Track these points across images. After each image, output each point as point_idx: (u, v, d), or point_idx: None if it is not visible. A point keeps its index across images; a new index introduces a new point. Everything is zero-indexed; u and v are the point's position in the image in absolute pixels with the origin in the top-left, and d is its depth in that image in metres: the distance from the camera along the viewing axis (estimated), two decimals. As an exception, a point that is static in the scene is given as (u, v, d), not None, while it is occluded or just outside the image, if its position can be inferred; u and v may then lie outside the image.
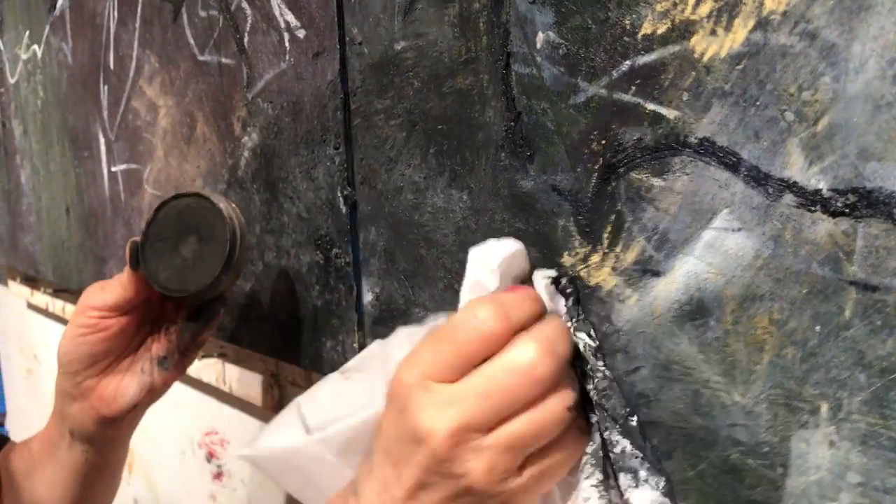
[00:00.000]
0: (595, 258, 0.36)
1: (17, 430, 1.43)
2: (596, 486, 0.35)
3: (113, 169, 0.76)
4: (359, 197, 0.48)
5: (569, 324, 0.36)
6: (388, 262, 0.47)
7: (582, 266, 0.36)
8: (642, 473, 0.35)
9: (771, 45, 0.29)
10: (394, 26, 0.44)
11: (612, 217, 0.35)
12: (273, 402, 0.66)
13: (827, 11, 0.27)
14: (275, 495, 0.73)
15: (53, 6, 0.82)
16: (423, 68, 0.43)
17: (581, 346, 0.35)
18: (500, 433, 0.33)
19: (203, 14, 0.60)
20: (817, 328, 0.29)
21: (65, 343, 0.55)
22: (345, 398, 0.41)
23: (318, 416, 0.41)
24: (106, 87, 0.75)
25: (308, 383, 0.62)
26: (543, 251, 0.38)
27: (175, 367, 0.56)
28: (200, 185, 0.63)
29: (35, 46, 0.88)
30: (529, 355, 0.33)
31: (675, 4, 0.31)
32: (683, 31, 0.31)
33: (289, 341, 0.57)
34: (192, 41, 0.61)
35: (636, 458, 0.35)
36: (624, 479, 0.35)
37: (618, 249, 0.35)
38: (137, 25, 0.68)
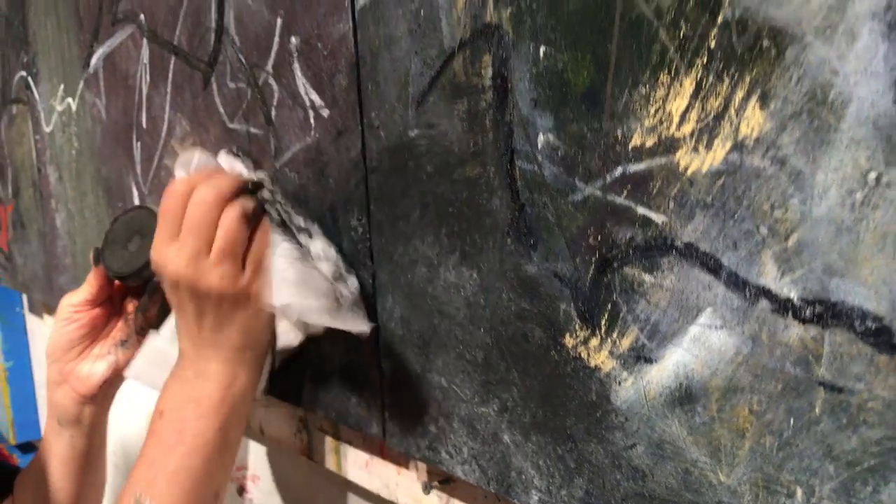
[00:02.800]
0: (594, 342, 0.39)
1: (53, 454, 1.48)
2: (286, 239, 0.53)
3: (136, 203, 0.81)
4: (377, 267, 0.52)
5: (246, 171, 0.57)
6: (405, 329, 0.51)
7: (583, 347, 0.40)
8: (315, 231, 0.54)
9: (746, 166, 0.32)
10: (408, 115, 0.47)
11: (609, 306, 0.38)
12: (302, 446, 0.69)
13: (794, 141, 0.30)
14: (302, 531, 0.76)
15: (87, 63, 0.86)
16: (435, 155, 0.46)
17: (255, 178, 0.55)
18: (213, 250, 0.50)
19: (232, 85, 0.63)
20: (791, 421, 0.32)
21: (50, 336, 0.69)
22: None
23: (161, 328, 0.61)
24: (139, 144, 0.79)
25: (335, 430, 0.66)
26: (548, 330, 0.41)
27: (133, 346, 0.68)
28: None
29: (69, 99, 0.92)
30: (199, 192, 0.51)
31: (661, 121, 0.34)
32: (669, 146, 0.34)
33: (317, 395, 0.60)
34: (221, 109, 0.65)
35: (308, 223, 0.55)
36: (302, 237, 0.54)
37: (614, 335, 0.38)
38: (169, 90, 0.72)
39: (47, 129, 1.00)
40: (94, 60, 0.85)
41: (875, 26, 0.28)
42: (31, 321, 1.44)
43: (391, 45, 0.47)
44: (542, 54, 0.39)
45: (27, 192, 1.11)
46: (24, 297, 1.45)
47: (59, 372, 0.67)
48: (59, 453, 0.70)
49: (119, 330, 0.68)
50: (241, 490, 0.86)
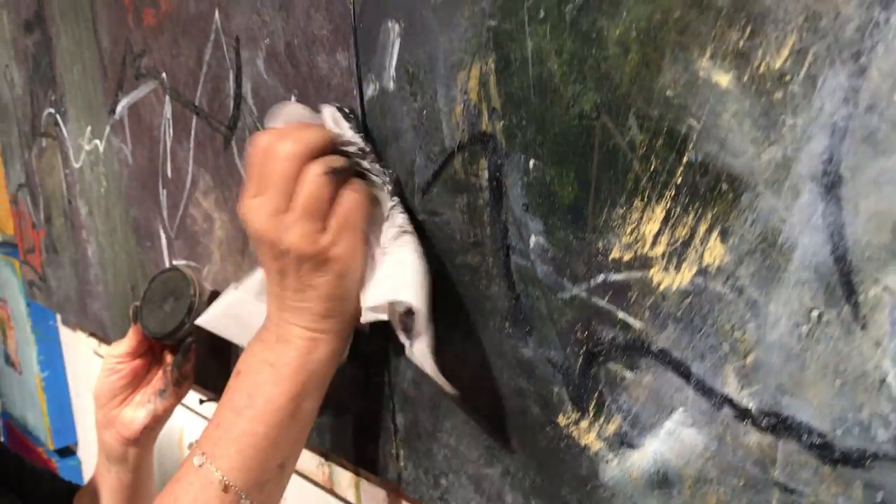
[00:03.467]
0: (584, 423, 0.43)
1: (89, 459, 1.55)
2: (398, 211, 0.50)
3: (174, 262, 0.86)
4: (390, 333, 0.56)
5: (351, 131, 0.51)
6: (417, 391, 0.55)
7: (574, 427, 0.44)
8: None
9: (710, 290, 0.36)
10: (414, 201, 0.52)
11: (596, 394, 0.42)
12: (324, 478, 0.75)
13: (750, 274, 0.34)
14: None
15: (113, 110, 0.91)
16: (440, 240, 0.50)
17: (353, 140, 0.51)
18: (292, 205, 0.47)
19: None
20: (752, 513, 0.36)
21: (96, 384, 0.74)
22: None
23: (241, 282, 0.61)
24: (165, 192, 0.84)
25: (355, 466, 0.71)
26: (543, 409, 0.46)
27: (171, 395, 0.73)
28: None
29: (97, 141, 0.97)
30: (283, 145, 0.47)
31: (636, 240, 0.39)
32: (643, 262, 0.38)
33: (339, 440, 0.65)
34: (241, 170, 0.70)
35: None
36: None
37: (601, 420, 0.42)
38: (192, 145, 0.77)
39: (76, 165, 1.05)
40: (119, 108, 0.89)
41: (814, 187, 0.31)
42: (65, 333, 1.50)
43: (398, 137, 0.52)
44: (531, 166, 0.43)
45: (58, 221, 1.16)
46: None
47: (106, 416, 0.74)
48: (108, 485, 0.77)
49: (158, 380, 0.74)
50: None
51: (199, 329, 0.68)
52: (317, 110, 0.53)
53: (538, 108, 0.42)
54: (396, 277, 0.48)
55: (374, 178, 0.50)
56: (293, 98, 0.61)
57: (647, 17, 0.36)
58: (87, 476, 1.59)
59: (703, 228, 0.36)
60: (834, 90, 0.30)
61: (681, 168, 0.36)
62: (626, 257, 0.39)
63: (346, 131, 0.51)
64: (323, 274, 0.49)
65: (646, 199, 0.38)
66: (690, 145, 0.35)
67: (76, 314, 1.19)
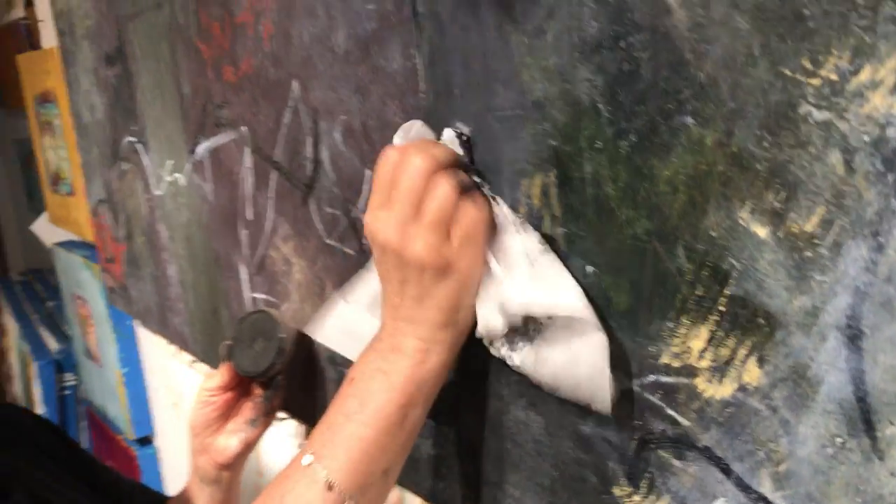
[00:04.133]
0: (637, 497, 0.49)
1: (165, 448, 1.66)
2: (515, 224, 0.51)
3: (254, 295, 0.93)
4: (462, 409, 0.63)
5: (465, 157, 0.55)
6: (485, 446, 0.62)
7: (628, 500, 0.50)
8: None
9: (748, 405, 0.41)
10: (482, 282, 0.57)
11: (647, 475, 0.48)
12: (395, 501, 0.82)
13: (783, 398, 0.40)
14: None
15: (193, 150, 0.98)
16: (506, 319, 0.56)
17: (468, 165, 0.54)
18: (420, 216, 0.50)
19: (328, 209, 0.74)
20: None
21: (191, 415, 0.82)
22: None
23: (348, 294, 0.65)
24: (245, 232, 0.91)
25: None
26: (600, 479, 0.52)
27: (261, 424, 0.81)
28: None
29: (178, 175, 1.05)
30: (412, 159, 0.50)
31: (684, 352, 0.44)
32: (690, 372, 0.44)
33: (410, 473, 0.72)
34: (318, 226, 0.76)
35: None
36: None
37: (652, 497, 0.48)
38: (271, 196, 0.83)
39: (157, 193, 1.13)
40: (199, 150, 0.96)
41: (839, 336, 0.36)
42: (141, 332, 1.60)
43: (466, 224, 0.57)
44: (588, 270, 0.49)
45: (139, 239, 1.25)
46: (134, 310, 1.62)
47: (201, 444, 0.82)
48: (201, 502, 0.85)
49: (249, 410, 0.81)
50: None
51: (287, 365, 0.75)
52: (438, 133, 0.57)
53: (595, 223, 0.47)
54: (549, 288, 0.50)
55: (489, 195, 0.53)
56: (366, 173, 0.67)
57: (694, 165, 0.41)
58: (163, 463, 1.71)
59: (742, 352, 0.41)
60: (856, 259, 0.35)
61: (723, 299, 0.41)
62: (675, 364, 0.45)
63: (461, 152, 0.55)
64: (444, 284, 0.51)
65: (692, 319, 0.43)
66: (732, 281, 0.41)
67: (157, 325, 1.28)
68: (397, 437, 0.53)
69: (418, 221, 0.50)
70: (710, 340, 0.42)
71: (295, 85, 0.74)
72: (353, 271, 0.71)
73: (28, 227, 3.16)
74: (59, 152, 1.63)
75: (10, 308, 2.53)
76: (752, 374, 0.41)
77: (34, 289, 2.64)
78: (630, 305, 0.47)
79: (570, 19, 0.46)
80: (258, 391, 0.82)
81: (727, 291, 0.41)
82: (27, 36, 1.97)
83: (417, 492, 0.73)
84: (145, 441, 1.70)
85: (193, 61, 0.92)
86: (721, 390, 0.43)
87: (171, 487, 1.70)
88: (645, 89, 0.43)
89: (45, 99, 1.63)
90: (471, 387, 0.61)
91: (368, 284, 0.62)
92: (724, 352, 0.42)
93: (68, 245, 1.81)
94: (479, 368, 0.60)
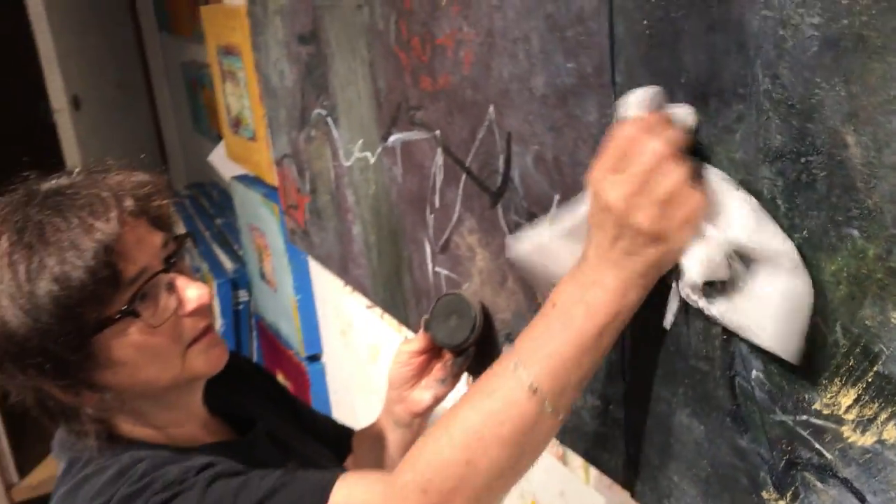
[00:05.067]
0: (782, 503, 0.62)
1: (331, 365, 1.89)
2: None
3: (437, 269, 1.08)
4: (632, 403, 0.76)
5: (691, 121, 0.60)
6: (650, 437, 0.75)
7: (774, 503, 0.62)
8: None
9: (884, 456, 0.52)
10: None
11: (792, 488, 0.60)
12: (558, 453, 0.97)
13: (914, 457, 0.50)
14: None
15: (385, 138, 1.12)
16: (679, 342, 0.68)
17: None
18: (652, 194, 0.57)
19: (514, 217, 0.87)
20: None
21: (390, 371, 1.00)
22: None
23: (554, 220, 0.71)
24: (432, 216, 1.05)
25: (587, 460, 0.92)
26: (751, 483, 0.64)
27: (450, 384, 0.97)
28: (510, 322, 0.93)
29: (368, 153, 1.19)
30: (654, 142, 0.57)
31: (834, 403, 0.55)
32: (837, 420, 0.55)
33: (574, 440, 0.87)
34: (505, 229, 0.89)
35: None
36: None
37: (795, 505, 0.60)
38: (460, 194, 0.96)
39: (346, 163, 1.28)
40: (391, 140, 1.10)
41: (966, 423, 0.47)
42: (312, 263, 1.80)
43: (647, 262, 0.69)
44: (757, 325, 0.60)
45: (324, 196, 1.42)
46: (306, 244, 1.81)
47: (398, 395, 0.99)
48: (392, 440, 1.04)
49: (439, 370, 0.98)
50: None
51: (476, 339, 0.92)
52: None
53: (766, 289, 0.58)
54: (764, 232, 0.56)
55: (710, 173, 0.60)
56: (556, 198, 0.78)
57: (856, 268, 0.51)
58: (329, 377, 1.94)
59: (884, 416, 0.52)
60: None
61: (871, 373, 0.52)
62: (825, 412, 0.56)
63: (688, 120, 0.61)
64: (655, 248, 0.59)
65: (843, 382, 0.54)
66: (880, 362, 0.51)
67: (338, 270, 1.46)
68: (591, 357, 0.63)
69: (647, 195, 0.57)
70: (856, 400, 0.53)
71: (491, 109, 0.85)
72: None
73: (190, 144, 3.45)
74: (241, 101, 1.81)
75: (182, 222, 2.81)
76: (891, 433, 0.52)
77: (201, 204, 2.92)
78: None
79: (758, 127, 0.55)
80: (449, 357, 0.98)
81: (875, 368, 0.51)
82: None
83: (582, 454, 0.88)
84: (313, 358, 1.93)
85: (391, 64, 1.04)
86: (863, 440, 0.54)
87: (335, 397, 1.94)
88: (819, 199, 0.52)
89: (229, 52, 1.80)
90: (642, 388, 0.74)
91: (574, 215, 0.69)
92: (868, 412, 0.53)
93: (245, 180, 2.02)
94: (649, 373, 0.72)
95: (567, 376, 0.63)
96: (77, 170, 0.87)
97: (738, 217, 0.57)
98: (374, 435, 1.08)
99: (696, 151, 0.61)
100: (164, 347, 0.83)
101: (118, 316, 0.79)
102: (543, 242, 0.71)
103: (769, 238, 0.56)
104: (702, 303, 0.62)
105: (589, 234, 0.63)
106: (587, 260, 0.63)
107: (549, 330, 0.64)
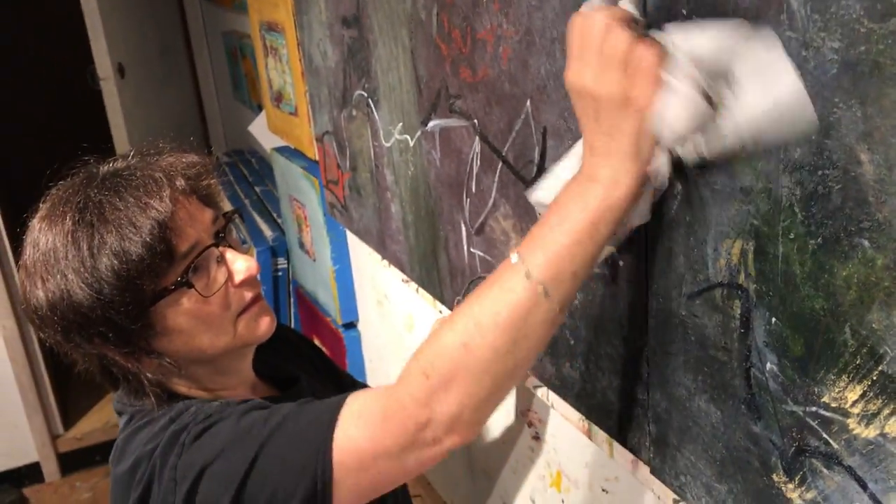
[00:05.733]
0: (791, 486, 0.66)
1: (366, 333, 1.96)
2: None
3: (471, 250, 1.13)
4: (653, 386, 0.80)
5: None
6: (668, 417, 0.80)
7: (783, 485, 0.67)
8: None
9: (886, 447, 0.57)
10: (681, 300, 0.73)
11: (801, 472, 0.65)
12: (584, 428, 1.03)
13: (912, 450, 0.55)
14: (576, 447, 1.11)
15: (425, 122, 1.16)
16: (697, 332, 0.72)
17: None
18: (606, 62, 0.62)
19: (548, 206, 0.91)
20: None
21: None
22: None
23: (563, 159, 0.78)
24: (468, 200, 1.09)
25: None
26: (763, 465, 0.69)
27: None
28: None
29: (407, 136, 1.23)
30: (595, 19, 0.63)
31: (840, 397, 0.59)
32: (843, 413, 0.59)
33: (600, 416, 0.92)
34: (538, 216, 0.93)
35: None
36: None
37: (803, 489, 0.65)
38: (496, 180, 1.01)
39: (385, 144, 1.33)
40: (431, 125, 1.14)
41: (960, 422, 0.51)
42: (350, 235, 1.86)
43: (671, 259, 0.73)
44: (772, 321, 0.64)
45: (364, 174, 1.47)
46: (344, 217, 1.87)
47: None
48: None
49: None
50: (530, 424, 1.22)
51: None
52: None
53: (782, 289, 0.62)
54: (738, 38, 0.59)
55: (658, 38, 0.63)
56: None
57: (866, 275, 0.55)
58: (365, 344, 2.01)
59: (887, 411, 0.56)
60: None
61: (876, 372, 0.56)
62: (833, 405, 0.60)
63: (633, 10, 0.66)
64: (627, 115, 0.63)
65: (850, 379, 0.58)
66: (885, 361, 0.55)
67: (375, 245, 1.51)
68: (587, 248, 0.67)
69: (604, 66, 0.62)
70: (862, 396, 0.58)
71: (528, 103, 0.89)
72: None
73: (230, 112, 3.51)
74: (283, 76, 1.85)
75: (221, 189, 2.88)
76: (893, 427, 0.56)
77: (241, 171, 2.99)
78: (803, 354, 0.62)
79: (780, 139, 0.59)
80: None
81: (880, 368, 0.56)
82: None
83: (606, 430, 0.93)
84: (350, 325, 2.00)
85: (432, 54, 1.08)
86: (866, 432, 0.58)
87: (370, 365, 2.01)
88: (834, 210, 0.56)
89: (272, 28, 1.84)
90: (663, 373, 0.79)
91: (576, 149, 0.76)
92: (873, 407, 0.57)
93: (286, 151, 2.07)
94: (671, 360, 0.77)
95: (561, 265, 0.67)
96: (132, 153, 0.94)
97: (698, 44, 0.61)
98: None
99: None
100: (216, 316, 0.90)
101: (173, 287, 0.86)
102: (555, 183, 0.77)
103: (732, 42, 0.59)
104: (692, 148, 0.64)
105: (583, 140, 0.68)
106: (584, 160, 0.68)
107: (547, 224, 0.68)
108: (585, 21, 0.64)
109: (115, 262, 0.82)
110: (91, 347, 0.88)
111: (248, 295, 0.94)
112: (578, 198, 0.67)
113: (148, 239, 0.83)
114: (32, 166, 1.54)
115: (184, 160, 0.94)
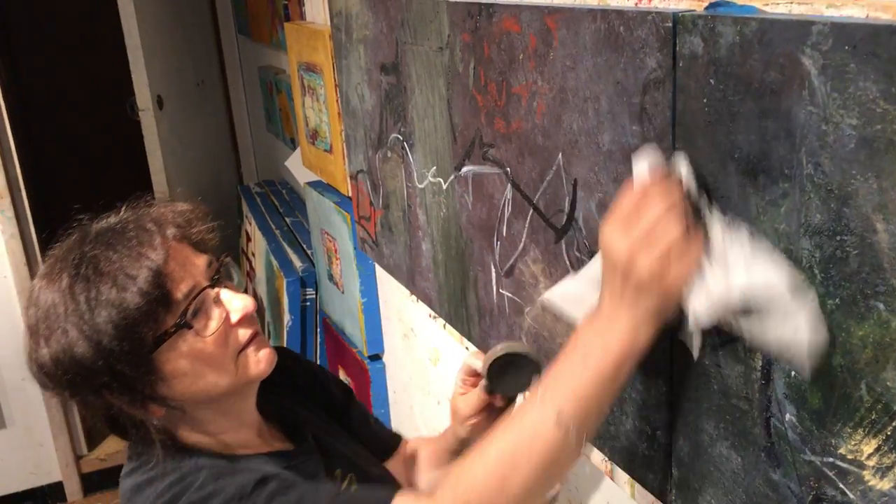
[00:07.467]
0: (807, 532, 0.69)
1: (391, 365, 2.00)
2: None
3: (500, 290, 1.17)
4: (678, 432, 0.84)
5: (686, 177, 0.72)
6: (691, 462, 0.83)
7: (800, 531, 0.70)
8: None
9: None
10: (702, 356, 0.77)
11: (818, 521, 0.68)
12: (607, 470, 1.06)
13: (924, 503, 0.58)
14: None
15: (458, 168, 1.21)
16: (719, 381, 0.76)
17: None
18: (650, 247, 0.68)
19: (576, 254, 0.95)
20: None
21: (455, 386, 1.09)
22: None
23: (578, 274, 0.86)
24: (498, 243, 1.14)
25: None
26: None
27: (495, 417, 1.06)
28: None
29: (440, 179, 1.28)
30: (658, 206, 0.68)
31: (856, 449, 0.62)
32: (859, 465, 0.63)
33: (625, 461, 0.95)
34: (567, 263, 0.97)
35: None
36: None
37: (819, 536, 0.68)
38: (526, 227, 1.05)
39: (419, 185, 1.38)
40: (464, 170, 1.19)
41: (968, 478, 0.54)
42: (379, 270, 1.91)
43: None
44: (792, 375, 0.67)
45: (396, 213, 1.52)
46: (374, 251, 1.92)
47: (457, 408, 1.09)
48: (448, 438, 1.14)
49: (498, 400, 1.06)
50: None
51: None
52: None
53: (801, 345, 0.66)
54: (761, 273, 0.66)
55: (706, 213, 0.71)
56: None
57: (881, 335, 0.58)
58: (389, 375, 2.05)
59: (899, 465, 0.59)
60: None
61: (891, 427, 0.59)
62: (849, 456, 0.63)
63: (689, 177, 0.72)
64: (655, 297, 0.69)
65: (866, 433, 0.61)
66: (898, 418, 0.58)
67: (405, 281, 1.56)
68: (609, 389, 0.73)
69: (647, 249, 0.68)
70: (877, 450, 0.61)
71: (560, 156, 0.94)
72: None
73: (263, 144, 3.59)
74: (320, 115, 1.92)
75: (254, 219, 2.95)
76: (904, 481, 0.59)
77: (272, 202, 3.06)
78: (820, 407, 0.65)
79: (801, 205, 0.63)
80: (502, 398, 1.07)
81: (895, 423, 0.59)
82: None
83: (629, 472, 0.96)
84: (375, 357, 2.04)
85: (468, 103, 1.13)
86: (881, 484, 0.61)
87: (394, 396, 2.05)
88: (851, 273, 0.60)
89: (310, 69, 1.91)
90: (686, 419, 0.82)
91: (592, 268, 0.83)
92: (887, 460, 0.60)
93: (318, 186, 2.13)
94: (694, 407, 0.80)
95: (588, 406, 0.73)
96: (123, 207, 0.98)
97: (734, 265, 0.68)
98: (431, 448, 1.20)
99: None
100: (218, 354, 0.93)
101: (173, 329, 0.89)
102: (568, 291, 0.86)
103: (764, 279, 0.65)
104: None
105: (602, 281, 0.74)
106: (602, 305, 0.73)
107: (571, 366, 0.74)
108: (645, 203, 0.69)
109: (114, 312, 0.85)
110: (97, 399, 0.90)
111: (247, 332, 0.95)
112: (600, 341, 0.72)
113: (144, 287, 0.85)
114: (76, 192, 1.61)
115: (173, 209, 0.97)
